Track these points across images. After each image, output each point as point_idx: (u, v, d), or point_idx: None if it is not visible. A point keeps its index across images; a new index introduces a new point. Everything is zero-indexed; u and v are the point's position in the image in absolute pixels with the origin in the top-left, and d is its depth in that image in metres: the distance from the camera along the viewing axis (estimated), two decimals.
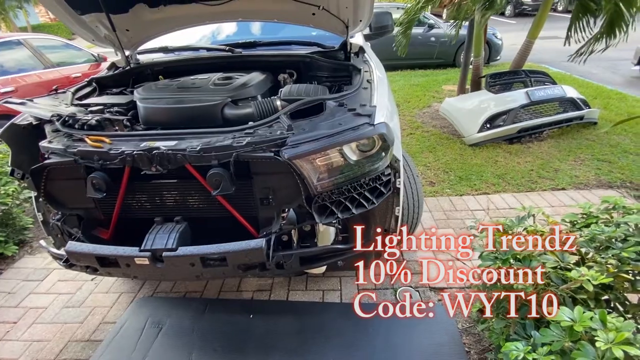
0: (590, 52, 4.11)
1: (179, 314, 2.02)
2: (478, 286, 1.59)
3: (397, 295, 2.07)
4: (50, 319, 2.08)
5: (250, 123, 1.51)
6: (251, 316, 1.98)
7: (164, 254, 1.35)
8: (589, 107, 4.08)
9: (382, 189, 1.53)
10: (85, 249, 1.42)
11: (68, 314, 2.11)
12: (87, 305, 2.16)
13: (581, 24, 4.12)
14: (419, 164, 3.54)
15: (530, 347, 1.15)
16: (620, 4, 3.61)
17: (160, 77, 2.31)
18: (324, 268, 1.73)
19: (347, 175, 1.45)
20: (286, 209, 1.52)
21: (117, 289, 2.26)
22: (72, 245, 1.44)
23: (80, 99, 1.98)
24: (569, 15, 4.39)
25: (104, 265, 1.44)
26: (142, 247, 1.38)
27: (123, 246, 1.41)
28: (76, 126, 1.60)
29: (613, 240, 1.41)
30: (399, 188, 1.60)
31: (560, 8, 13.92)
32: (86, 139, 1.45)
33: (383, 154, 1.47)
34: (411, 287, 2.12)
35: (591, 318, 1.09)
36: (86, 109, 1.82)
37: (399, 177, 1.58)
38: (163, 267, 1.37)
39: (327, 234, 1.61)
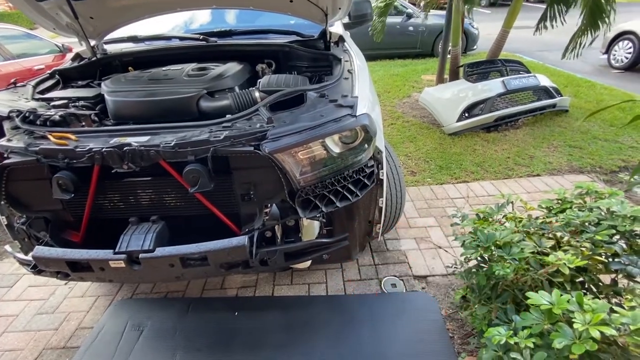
0: (580, 46, 4.24)
1: (161, 315, 1.96)
2: (461, 273, 1.62)
3: (382, 286, 2.09)
4: (23, 327, 1.97)
5: (228, 116, 1.45)
6: (236, 313, 1.95)
7: (141, 255, 1.28)
8: (561, 95, 4.22)
9: (365, 181, 1.51)
10: (54, 254, 1.33)
11: (41, 320, 2.00)
12: (62, 311, 2.05)
13: (553, 13, 4.23)
14: (400, 154, 3.56)
15: (511, 332, 1.18)
16: None
17: (129, 68, 2.19)
18: (309, 262, 1.71)
19: (331, 168, 1.42)
20: (269, 205, 1.48)
21: (93, 293, 2.16)
22: (40, 250, 1.35)
23: (42, 92, 1.84)
24: (543, 6, 4.49)
25: (75, 270, 1.36)
26: (116, 249, 1.31)
27: (96, 249, 1.33)
28: (38, 122, 1.49)
29: (587, 224, 1.47)
30: (382, 179, 1.59)
31: None
32: (49, 136, 1.35)
33: (366, 145, 1.46)
34: (395, 276, 2.14)
35: (568, 300, 1.12)
36: (49, 103, 1.70)
37: (382, 169, 1.58)
38: (140, 270, 1.31)
39: (311, 228, 1.58)
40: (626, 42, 6.10)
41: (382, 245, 2.39)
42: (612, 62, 6.35)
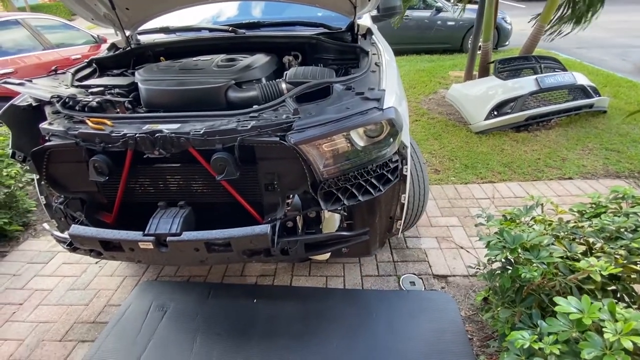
0: (557, 33, 4.34)
1: (183, 298, 2.04)
2: (484, 275, 1.58)
3: (401, 283, 2.07)
4: (56, 301, 2.10)
5: (255, 106, 1.46)
6: (255, 301, 1.99)
7: (168, 238, 1.33)
8: (599, 95, 3.98)
9: (389, 176, 1.50)
10: (89, 233, 1.40)
11: (73, 296, 2.13)
12: (92, 288, 2.17)
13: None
14: (424, 151, 3.49)
15: (536, 336, 1.14)
16: None
17: (161, 58, 2.25)
18: (328, 254, 1.72)
19: (354, 161, 1.42)
20: (291, 195, 1.49)
21: (121, 273, 2.27)
22: (76, 229, 1.43)
23: (80, 80, 1.93)
24: None
25: (107, 249, 1.43)
26: (146, 232, 1.37)
27: (127, 230, 1.39)
28: (77, 108, 1.57)
29: (622, 230, 1.39)
30: (406, 175, 1.57)
31: None
32: (87, 121, 1.41)
33: (391, 139, 1.44)
34: (414, 274, 2.12)
35: (599, 309, 1.07)
36: (87, 90, 1.78)
37: (406, 164, 1.55)
38: (167, 252, 1.36)
39: (332, 221, 1.59)
40: None
41: (401, 243, 2.37)
42: None
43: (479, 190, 2.89)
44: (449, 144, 3.63)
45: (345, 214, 1.55)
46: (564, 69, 4.14)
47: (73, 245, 1.52)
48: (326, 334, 1.78)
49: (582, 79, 3.98)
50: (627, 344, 0.96)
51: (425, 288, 2.04)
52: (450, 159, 3.35)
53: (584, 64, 6.03)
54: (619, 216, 1.45)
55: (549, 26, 4.36)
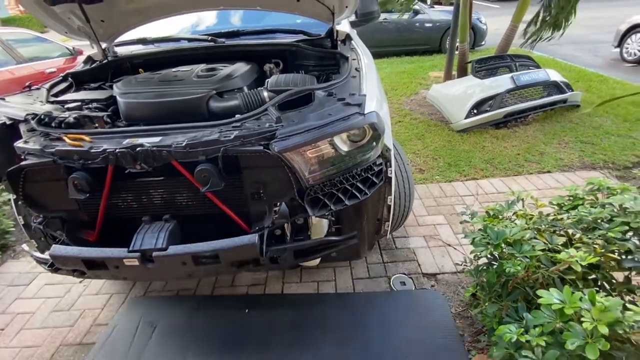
0: (538, 39, 4.43)
1: (173, 312, 2.00)
2: (470, 271, 1.62)
3: (391, 284, 2.09)
4: (40, 324, 2.02)
5: (238, 116, 1.46)
6: (246, 311, 1.97)
7: (154, 253, 1.31)
8: (572, 90, 4.14)
9: (374, 179, 1.52)
10: (71, 252, 1.37)
11: (57, 317, 2.06)
12: (77, 308, 2.11)
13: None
14: (408, 152, 3.55)
15: (522, 329, 1.18)
16: None
17: (140, 70, 2.22)
18: (318, 260, 1.72)
19: (339, 166, 1.43)
20: (278, 203, 1.49)
21: (107, 290, 2.21)
22: (57, 249, 1.38)
23: (56, 95, 1.88)
24: None
25: (91, 268, 1.39)
26: (130, 248, 1.34)
27: (111, 247, 1.36)
28: (53, 124, 1.53)
29: (599, 221, 1.45)
30: (390, 177, 1.59)
31: None
32: (65, 138, 1.38)
33: (374, 143, 1.46)
34: (404, 274, 2.14)
35: (580, 299, 1.11)
36: (63, 106, 1.74)
37: (391, 166, 1.58)
38: (154, 268, 1.34)
39: (320, 227, 1.60)
40: (639, 35, 5.96)
41: (390, 244, 2.39)
42: (625, 55, 6.21)
43: (462, 187, 2.96)
44: (432, 143, 3.69)
45: (333, 219, 1.56)
46: (538, 67, 4.29)
47: (54, 266, 1.48)
48: (320, 341, 1.77)
49: (555, 76, 4.14)
50: (604, 330, 1.00)
51: (415, 287, 2.06)
52: (434, 158, 3.42)
53: (557, 61, 6.26)
54: (595, 207, 1.51)
55: (529, 34, 4.48)
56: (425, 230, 2.50)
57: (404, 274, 2.15)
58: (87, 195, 1.40)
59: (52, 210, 1.55)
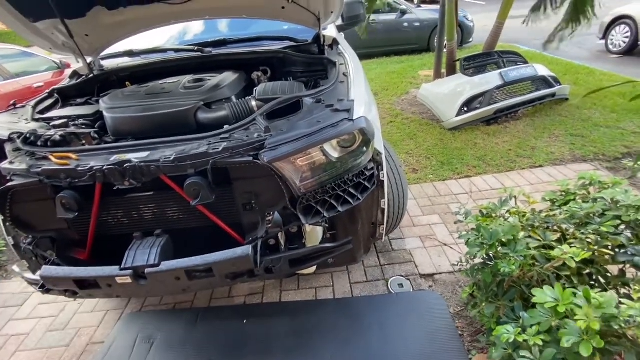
0: (560, 40, 4.30)
1: (170, 327, 1.97)
2: (466, 271, 1.62)
3: (389, 286, 2.08)
4: (34, 345, 1.99)
5: (226, 127, 1.45)
6: (245, 321, 1.95)
7: (147, 270, 1.29)
8: (560, 84, 4.18)
9: (366, 183, 1.51)
10: (62, 273, 1.34)
11: (52, 337, 2.02)
12: (72, 327, 2.07)
13: (545, 3, 4.23)
14: (401, 152, 3.55)
15: (520, 329, 1.17)
16: None
17: (127, 83, 2.20)
18: (314, 267, 1.71)
19: (331, 173, 1.42)
20: (271, 213, 1.48)
21: (102, 307, 2.18)
22: (47, 270, 1.36)
23: (41, 112, 1.86)
24: None
25: (83, 287, 1.37)
26: (122, 265, 1.32)
27: (102, 266, 1.34)
28: (39, 143, 1.51)
29: (591, 215, 1.45)
30: (383, 181, 1.59)
31: None
32: (50, 157, 1.36)
33: (365, 148, 1.46)
34: (402, 276, 2.14)
35: (575, 295, 1.12)
36: (49, 123, 1.72)
37: (382, 170, 1.57)
38: (147, 284, 1.32)
39: (315, 234, 1.59)
40: (623, 26, 6.04)
41: (387, 246, 2.39)
42: (610, 47, 6.29)
43: (456, 185, 2.97)
44: (424, 142, 3.71)
45: (327, 225, 1.55)
46: (526, 62, 4.33)
47: (46, 287, 1.45)
48: (319, 348, 1.76)
49: (542, 70, 4.17)
50: (596, 326, 1.00)
51: (413, 289, 2.06)
52: (427, 157, 3.43)
53: (544, 55, 6.32)
54: (587, 202, 1.51)
55: (559, 29, 4.34)
56: (421, 230, 2.50)
57: (402, 275, 2.15)
58: (76, 214, 1.38)
59: (41, 230, 1.53)
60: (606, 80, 4.79)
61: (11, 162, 1.41)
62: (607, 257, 1.39)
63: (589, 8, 3.83)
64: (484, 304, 1.46)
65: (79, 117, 1.77)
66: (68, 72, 2.45)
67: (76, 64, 2.36)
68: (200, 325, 1.97)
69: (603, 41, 6.41)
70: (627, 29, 5.96)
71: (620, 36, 6.10)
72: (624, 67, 5.52)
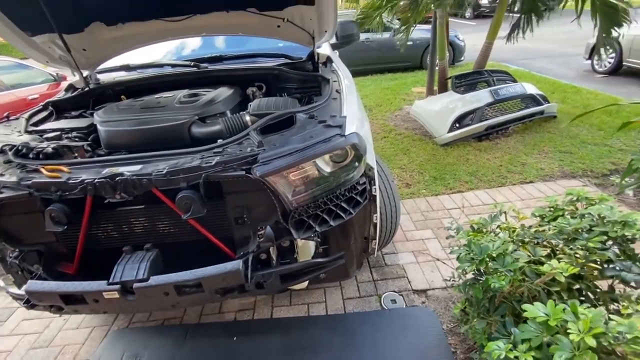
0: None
1: (158, 344, 1.92)
2: (458, 287, 1.61)
3: (382, 302, 2.07)
4: None
5: (219, 141, 1.47)
6: (235, 338, 1.91)
7: (135, 285, 1.27)
8: (548, 102, 4.30)
9: (358, 198, 1.52)
10: (47, 287, 1.32)
11: (36, 355, 1.96)
12: (57, 344, 2.01)
13: (525, 23, 4.44)
14: (394, 167, 3.59)
15: (511, 345, 1.17)
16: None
17: (122, 97, 2.22)
18: (306, 283, 1.70)
19: (323, 187, 1.43)
20: (263, 227, 1.48)
21: (88, 324, 2.12)
22: (32, 285, 1.33)
23: (35, 124, 1.86)
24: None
25: (69, 303, 1.34)
26: (110, 280, 1.30)
27: (90, 280, 1.32)
28: (31, 155, 1.50)
29: (579, 231, 1.47)
30: (375, 195, 1.60)
31: (516, 9, 14.71)
32: (41, 170, 1.35)
33: (357, 163, 1.47)
34: (395, 292, 2.13)
35: (564, 310, 1.12)
36: (41, 135, 1.72)
37: (374, 185, 1.59)
38: (135, 300, 1.30)
39: (307, 248, 1.58)
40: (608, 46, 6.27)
41: (380, 261, 2.38)
42: (596, 67, 6.51)
43: (449, 200, 2.99)
44: (417, 157, 3.75)
45: (320, 240, 1.55)
46: (514, 80, 4.46)
47: (31, 302, 1.42)
48: None
49: (531, 89, 4.30)
50: (591, 342, 1.00)
51: (406, 305, 2.04)
52: (419, 172, 3.46)
53: (532, 74, 6.52)
54: (575, 217, 1.54)
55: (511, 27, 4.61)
56: (414, 245, 2.50)
57: (395, 291, 2.13)
58: (65, 227, 1.36)
59: (28, 243, 1.51)
60: (592, 99, 4.94)
61: (1, 175, 1.40)
62: (595, 272, 1.40)
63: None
64: (475, 320, 1.45)
65: (72, 129, 1.77)
66: (64, 84, 2.47)
67: (72, 77, 2.38)
68: (189, 342, 1.92)
69: (589, 61, 6.64)
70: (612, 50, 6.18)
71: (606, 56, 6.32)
72: (609, 86, 5.70)
